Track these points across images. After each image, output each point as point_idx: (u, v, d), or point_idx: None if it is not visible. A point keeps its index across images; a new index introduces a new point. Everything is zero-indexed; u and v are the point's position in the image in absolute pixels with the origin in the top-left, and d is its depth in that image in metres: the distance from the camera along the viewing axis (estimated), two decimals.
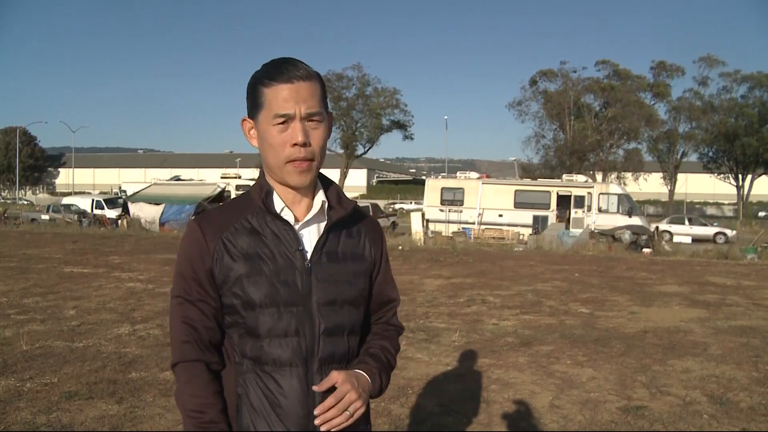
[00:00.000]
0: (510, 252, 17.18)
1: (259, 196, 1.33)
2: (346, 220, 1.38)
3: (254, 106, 1.30)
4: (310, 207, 1.36)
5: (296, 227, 1.32)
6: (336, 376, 1.26)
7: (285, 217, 1.32)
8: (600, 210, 22.69)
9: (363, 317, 1.41)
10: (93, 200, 29.03)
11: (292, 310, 1.28)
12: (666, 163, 47.26)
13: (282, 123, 1.26)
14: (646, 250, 17.70)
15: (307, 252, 1.32)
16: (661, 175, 48.22)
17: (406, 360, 5.24)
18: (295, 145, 1.26)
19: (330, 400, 1.24)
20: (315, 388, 1.27)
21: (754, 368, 5.26)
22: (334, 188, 1.41)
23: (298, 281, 1.29)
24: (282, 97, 1.25)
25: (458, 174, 27.01)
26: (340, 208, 1.37)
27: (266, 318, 1.27)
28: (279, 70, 1.27)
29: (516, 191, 24.27)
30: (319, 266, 1.32)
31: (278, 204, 1.33)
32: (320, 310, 1.30)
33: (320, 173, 1.39)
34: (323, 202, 1.36)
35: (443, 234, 22.18)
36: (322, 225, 1.35)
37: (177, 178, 30.31)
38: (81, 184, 71.75)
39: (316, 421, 1.24)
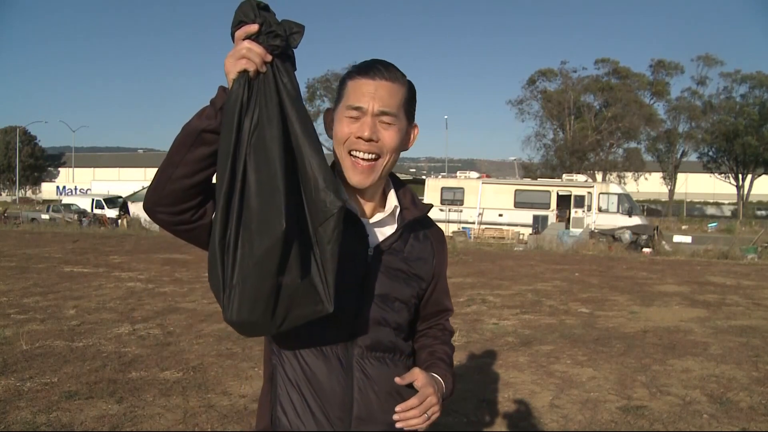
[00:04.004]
0: (510, 251, 17.19)
1: None
2: (418, 223, 1.38)
3: (337, 98, 1.31)
4: (377, 208, 1.36)
5: (365, 222, 1.32)
6: (419, 375, 1.27)
7: (349, 208, 1.29)
8: (600, 210, 22.69)
9: (410, 321, 1.40)
10: (93, 200, 29.05)
11: (342, 294, 1.26)
12: (666, 162, 47.26)
13: (353, 117, 1.26)
14: (646, 250, 17.72)
15: (372, 244, 1.31)
16: (661, 175, 48.22)
17: None
18: (359, 138, 1.25)
19: (414, 401, 1.24)
20: (398, 379, 1.27)
21: (754, 368, 5.26)
22: (408, 190, 1.41)
23: (356, 268, 1.28)
24: (360, 91, 1.25)
25: (458, 174, 27.07)
26: (415, 208, 1.37)
27: None
28: (367, 66, 1.28)
29: (516, 191, 24.29)
30: (383, 258, 1.31)
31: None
32: (369, 300, 1.29)
33: (393, 174, 1.38)
34: (395, 206, 1.35)
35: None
36: (390, 227, 1.35)
37: None
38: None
39: (395, 417, 1.24)
